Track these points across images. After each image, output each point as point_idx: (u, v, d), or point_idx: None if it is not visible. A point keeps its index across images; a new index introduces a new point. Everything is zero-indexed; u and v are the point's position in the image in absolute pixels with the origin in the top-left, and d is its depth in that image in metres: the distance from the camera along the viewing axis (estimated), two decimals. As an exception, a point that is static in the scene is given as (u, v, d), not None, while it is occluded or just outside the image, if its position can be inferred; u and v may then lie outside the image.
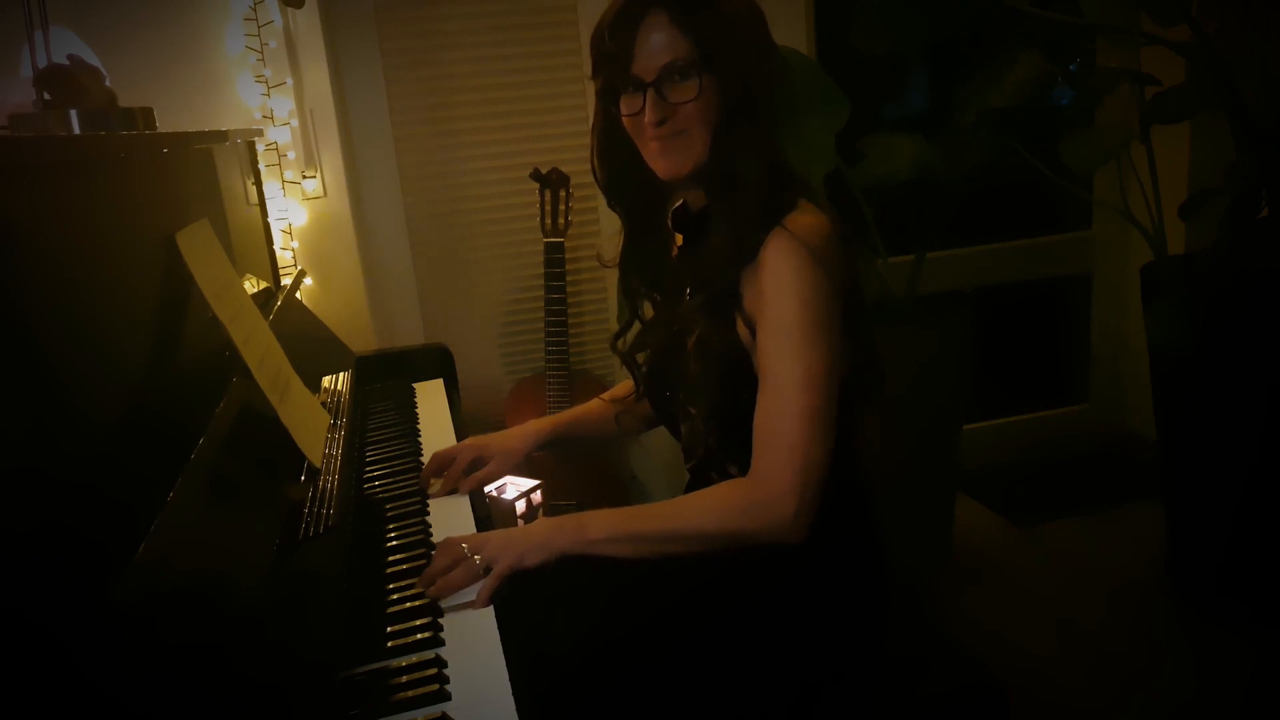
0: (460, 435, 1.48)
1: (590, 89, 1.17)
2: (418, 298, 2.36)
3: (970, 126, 2.05)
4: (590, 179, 1.22)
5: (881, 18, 2.00)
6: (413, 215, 2.33)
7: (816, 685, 1.09)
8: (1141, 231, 2.15)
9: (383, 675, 0.86)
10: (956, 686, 1.17)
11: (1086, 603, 2.12)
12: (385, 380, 1.75)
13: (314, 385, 1.38)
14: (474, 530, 1.16)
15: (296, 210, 2.14)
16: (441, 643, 0.91)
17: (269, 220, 1.85)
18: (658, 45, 1.03)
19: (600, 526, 1.05)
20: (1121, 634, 1.99)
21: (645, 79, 1.04)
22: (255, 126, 1.98)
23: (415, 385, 1.73)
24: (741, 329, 1.07)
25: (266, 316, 1.27)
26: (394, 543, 1.14)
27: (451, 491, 1.27)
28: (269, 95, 2.05)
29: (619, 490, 2.37)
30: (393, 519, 1.21)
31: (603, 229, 2.40)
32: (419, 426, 1.53)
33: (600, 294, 2.48)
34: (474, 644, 0.91)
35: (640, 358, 1.28)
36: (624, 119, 1.09)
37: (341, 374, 1.52)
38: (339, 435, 1.25)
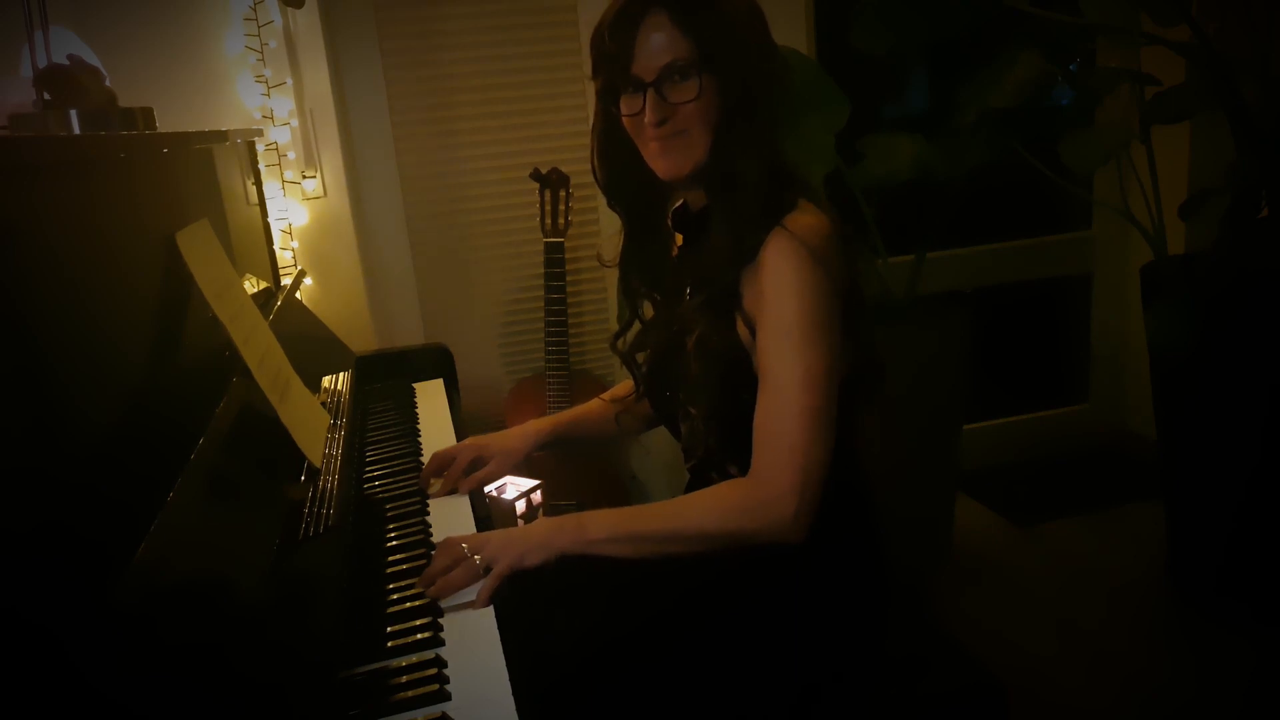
0: (460, 435, 1.48)
1: (590, 89, 1.17)
2: (418, 298, 2.36)
3: (970, 126, 2.05)
4: (590, 179, 1.22)
5: (881, 18, 2.00)
6: (413, 215, 2.33)
7: (816, 685, 1.09)
8: (1141, 231, 2.15)
9: (383, 675, 0.86)
10: (956, 686, 1.17)
11: (1086, 603, 2.12)
12: (385, 380, 1.75)
13: (314, 385, 1.38)
14: (474, 530, 1.16)
15: (296, 210, 2.14)
16: (441, 643, 0.91)
17: (269, 220, 1.85)
18: (658, 45, 1.03)
19: (600, 526, 1.05)
20: (1121, 634, 1.99)
21: (645, 79, 1.04)
22: (255, 126, 1.98)
23: (415, 385, 1.73)
24: (741, 329, 1.07)
25: (266, 316, 1.27)
26: (394, 543, 1.14)
27: (451, 491, 1.27)
28: (269, 95, 2.05)
29: (619, 490, 2.37)
30: (393, 519, 1.21)
31: (603, 229, 2.40)
32: (419, 426, 1.53)
33: (600, 294, 2.48)
34: (474, 644, 0.91)
35: (640, 358, 1.28)
36: (624, 119, 1.09)
37: (341, 374, 1.52)
38: (339, 435, 1.25)
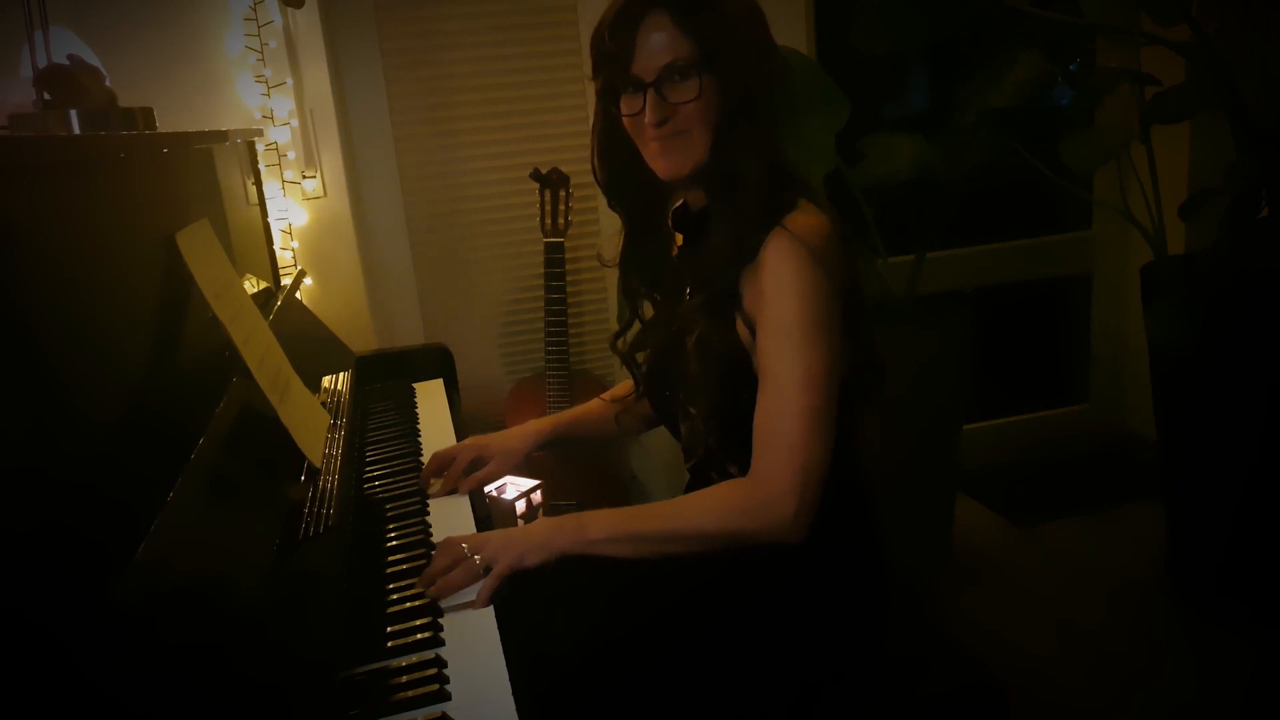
0: (460, 435, 1.48)
1: (590, 89, 1.17)
2: (418, 298, 2.36)
3: (970, 126, 2.05)
4: (590, 179, 1.22)
5: (881, 18, 2.00)
6: (413, 215, 2.33)
7: (816, 685, 1.09)
8: (1141, 231, 2.15)
9: (383, 675, 0.86)
10: (956, 686, 1.17)
11: (1086, 603, 2.12)
12: (385, 380, 1.75)
13: (314, 385, 1.38)
14: (474, 530, 1.16)
15: (296, 210, 2.14)
16: (441, 643, 0.91)
17: (269, 220, 1.85)
18: (658, 45, 1.03)
19: (600, 526, 1.05)
20: (1121, 634, 1.99)
21: (645, 79, 1.04)
22: (255, 126, 1.98)
23: (415, 385, 1.73)
24: (741, 329, 1.07)
25: (266, 316, 1.27)
26: (394, 543, 1.14)
27: (451, 491, 1.27)
28: (269, 95, 2.05)
29: (619, 490, 2.37)
30: (393, 519, 1.21)
31: (603, 229, 2.40)
32: (419, 426, 1.53)
33: (600, 294, 2.48)
34: (474, 644, 0.91)
35: (640, 358, 1.28)
36: (624, 119, 1.09)
37: (341, 374, 1.52)
38: (339, 435, 1.25)
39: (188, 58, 2.00)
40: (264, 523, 0.95)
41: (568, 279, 2.21)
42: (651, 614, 1.13)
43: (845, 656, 1.12)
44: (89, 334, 0.83)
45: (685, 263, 1.19)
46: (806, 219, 1.03)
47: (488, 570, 1.01)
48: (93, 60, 1.38)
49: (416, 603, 0.98)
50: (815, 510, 1.00)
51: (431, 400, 1.67)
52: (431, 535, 1.15)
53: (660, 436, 1.35)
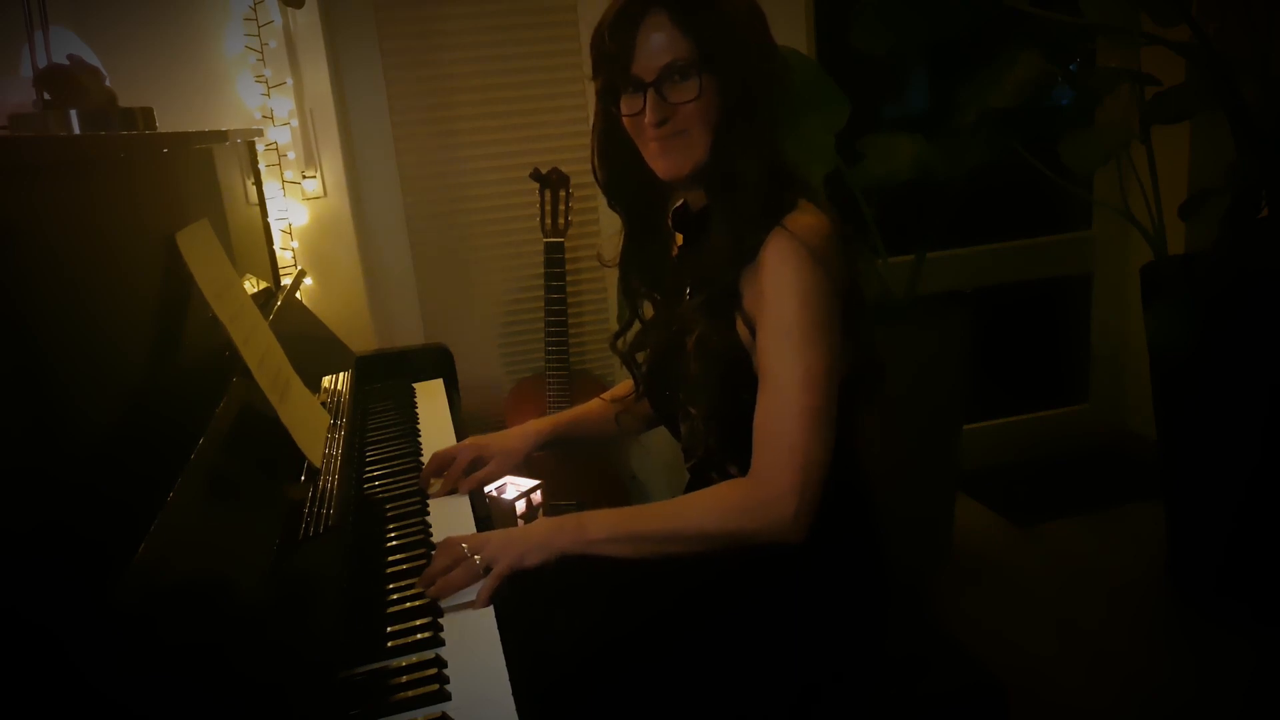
0: (460, 435, 1.48)
1: (590, 89, 1.17)
2: (418, 298, 2.36)
3: (970, 126, 2.05)
4: (590, 179, 1.22)
5: (881, 18, 2.00)
6: (413, 215, 2.33)
7: (816, 685, 1.09)
8: (1141, 231, 2.15)
9: (383, 675, 0.86)
10: (956, 686, 1.17)
11: (1086, 603, 2.12)
12: (385, 380, 1.75)
13: (314, 385, 1.38)
14: (474, 530, 1.16)
15: (296, 210, 2.14)
16: (441, 643, 0.91)
17: (269, 220, 1.85)
18: (658, 45, 1.03)
19: (600, 526, 1.05)
20: (1121, 634, 1.99)
21: (645, 79, 1.04)
22: (255, 126, 1.98)
23: (415, 385, 1.73)
24: (741, 329, 1.07)
25: (266, 316, 1.27)
26: (394, 543, 1.14)
27: (451, 491, 1.27)
28: (269, 95, 2.05)
29: (619, 490, 2.37)
30: (393, 519, 1.21)
31: (603, 229, 2.40)
32: (419, 426, 1.53)
33: (600, 294, 2.48)
34: (474, 644, 0.91)
35: (640, 357, 1.28)
36: (624, 119, 1.09)
37: (341, 374, 1.52)
38: (339, 435, 1.25)
39: (188, 58, 2.00)
40: (264, 523, 0.95)
41: (568, 279, 2.21)
42: (651, 614, 1.13)
43: (845, 656, 1.12)
44: (89, 334, 0.83)
45: (685, 263, 1.19)
46: (806, 219, 1.03)
47: (488, 570, 1.01)
48: (93, 60, 1.38)
49: (416, 603, 0.98)
50: (815, 510, 1.00)
51: (431, 400, 1.67)
52: (431, 535, 1.15)
53: (660, 436, 1.35)
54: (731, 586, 1.11)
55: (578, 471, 2.27)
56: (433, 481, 1.29)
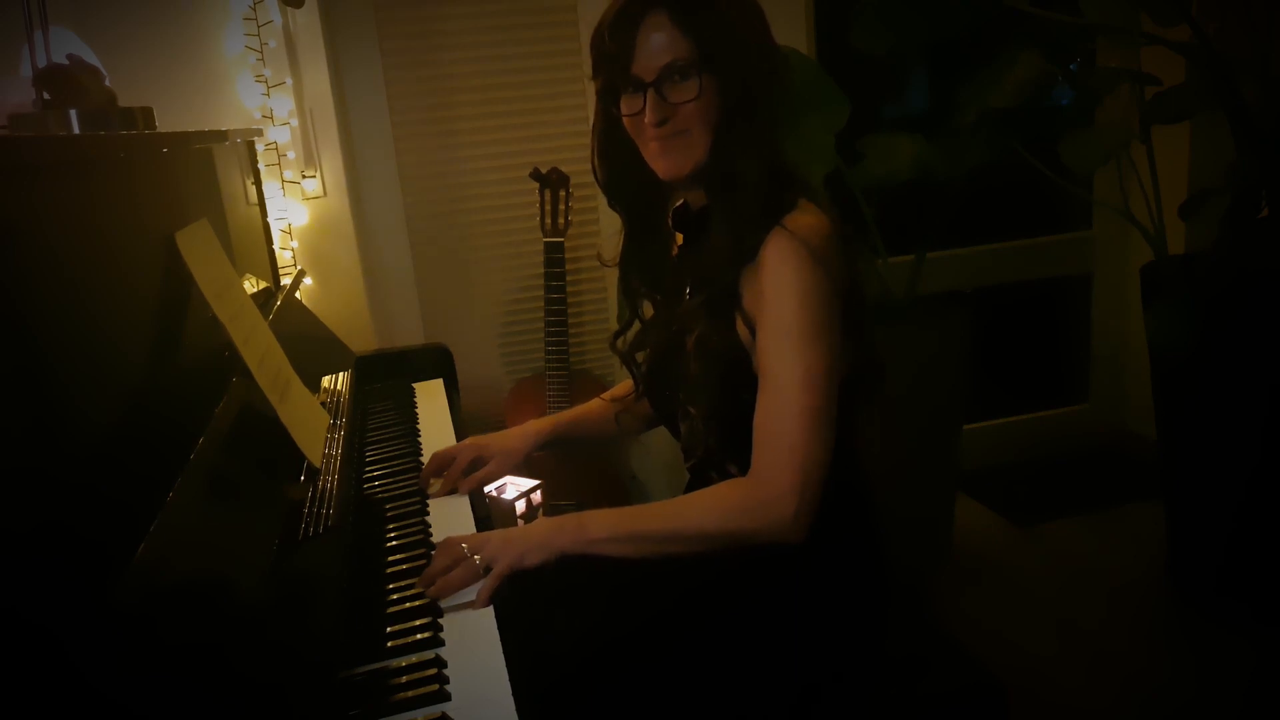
0: (460, 435, 1.48)
1: (590, 89, 1.17)
2: (418, 298, 2.36)
3: (970, 126, 2.05)
4: (590, 179, 1.22)
5: (881, 18, 2.00)
6: (413, 215, 2.33)
7: (816, 685, 1.09)
8: (1141, 231, 2.15)
9: (383, 675, 0.86)
10: (956, 686, 1.17)
11: (1086, 603, 2.12)
12: (385, 380, 1.75)
13: (314, 385, 1.38)
14: (474, 530, 1.16)
15: (296, 210, 2.14)
16: (441, 643, 0.91)
17: (269, 220, 1.85)
18: (658, 45, 1.03)
19: (601, 526, 1.05)
20: (1121, 634, 1.99)
21: (645, 79, 1.04)
22: (255, 126, 1.98)
23: (415, 385, 1.73)
24: (741, 329, 1.07)
25: (266, 316, 1.27)
26: (394, 543, 1.14)
27: (451, 491, 1.27)
28: (269, 95, 2.05)
29: (619, 490, 2.37)
30: (393, 519, 1.21)
31: (603, 229, 2.40)
32: (419, 426, 1.53)
33: (600, 294, 2.48)
34: (474, 644, 0.91)
35: (640, 357, 1.28)
36: (624, 119, 1.09)
37: (341, 374, 1.52)
38: (339, 435, 1.25)
39: (188, 58, 2.00)
40: (264, 523, 0.95)
41: (568, 279, 2.21)
42: (651, 614, 1.13)
43: (845, 656, 1.12)
44: (89, 334, 0.83)
45: (685, 263, 1.19)
46: (806, 219, 1.03)
47: (488, 570, 1.01)
48: (93, 60, 1.38)
49: (416, 603, 0.98)
50: (815, 510, 1.00)
51: (431, 400, 1.67)
52: (431, 535, 1.15)
53: (660, 436, 1.35)
54: (731, 586, 1.11)
55: (578, 471, 2.27)
56: (433, 481, 1.29)
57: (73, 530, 0.67)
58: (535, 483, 1.96)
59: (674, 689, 1.07)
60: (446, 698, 0.82)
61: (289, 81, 2.08)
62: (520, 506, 1.93)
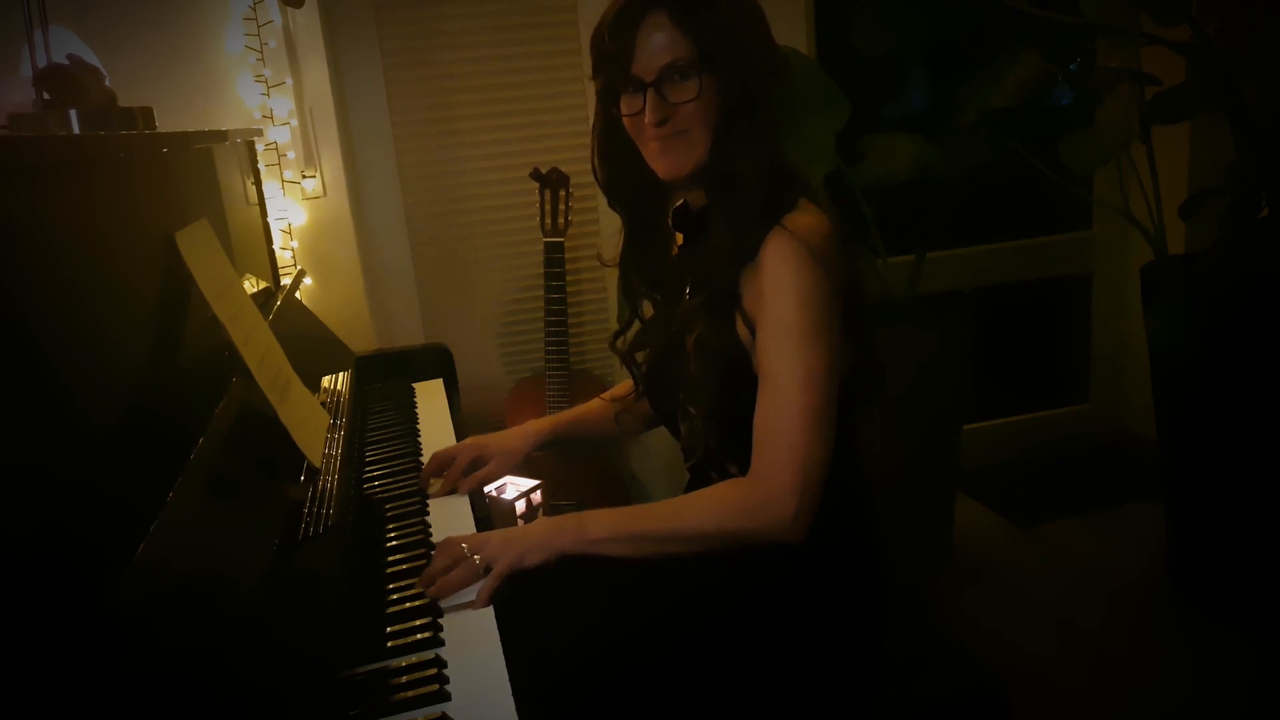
0: (460, 435, 1.48)
1: (590, 89, 1.17)
2: (418, 298, 2.36)
3: (970, 126, 2.05)
4: (590, 179, 1.22)
5: (881, 18, 2.00)
6: (413, 215, 2.33)
7: (816, 685, 1.09)
8: (1141, 231, 2.15)
9: (383, 675, 0.86)
10: (956, 686, 1.17)
11: (1086, 603, 2.12)
12: (385, 380, 1.75)
13: (314, 385, 1.38)
14: (474, 530, 1.16)
15: (296, 210, 2.14)
16: (441, 643, 0.91)
17: (269, 220, 1.85)
18: (658, 45, 1.03)
19: (601, 526, 1.05)
20: (1121, 634, 1.99)
21: (645, 79, 1.04)
22: (255, 126, 1.98)
23: (415, 385, 1.73)
24: (741, 328, 1.07)
25: (266, 316, 1.27)
26: (394, 543, 1.14)
27: (451, 491, 1.27)
28: (269, 95, 2.05)
29: (619, 490, 2.37)
30: (393, 519, 1.21)
31: (603, 229, 2.40)
32: (419, 426, 1.53)
33: (600, 294, 2.48)
34: (474, 644, 0.91)
35: (640, 357, 1.28)
36: (624, 119, 1.09)
37: (341, 374, 1.52)
38: (339, 435, 1.25)
39: (188, 57, 2.00)
40: (264, 523, 0.95)
41: (568, 279, 2.21)
42: (651, 614, 1.13)
43: (845, 656, 1.12)
44: (89, 334, 0.83)
45: (685, 262, 1.19)
46: (806, 219, 1.03)
47: (488, 570, 1.01)
48: (93, 60, 1.38)
49: (416, 603, 0.98)
50: (815, 510, 1.00)
51: (431, 400, 1.67)
52: (431, 535, 1.15)
53: (660, 436, 1.35)
54: (731, 586, 1.11)
55: (578, 471, 2.27)
56: (432, 481, 1.29)
57: (73, 530, 0.67)
58: (535, 483, 1.96)
59: (674, 689, 1.07)
60: (446, 698, 0.82)
61: (289, 81, 2.08)
62: (520, 506, 1.93)
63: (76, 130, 1.23)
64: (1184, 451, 2.07)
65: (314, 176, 2.14)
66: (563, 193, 2.17)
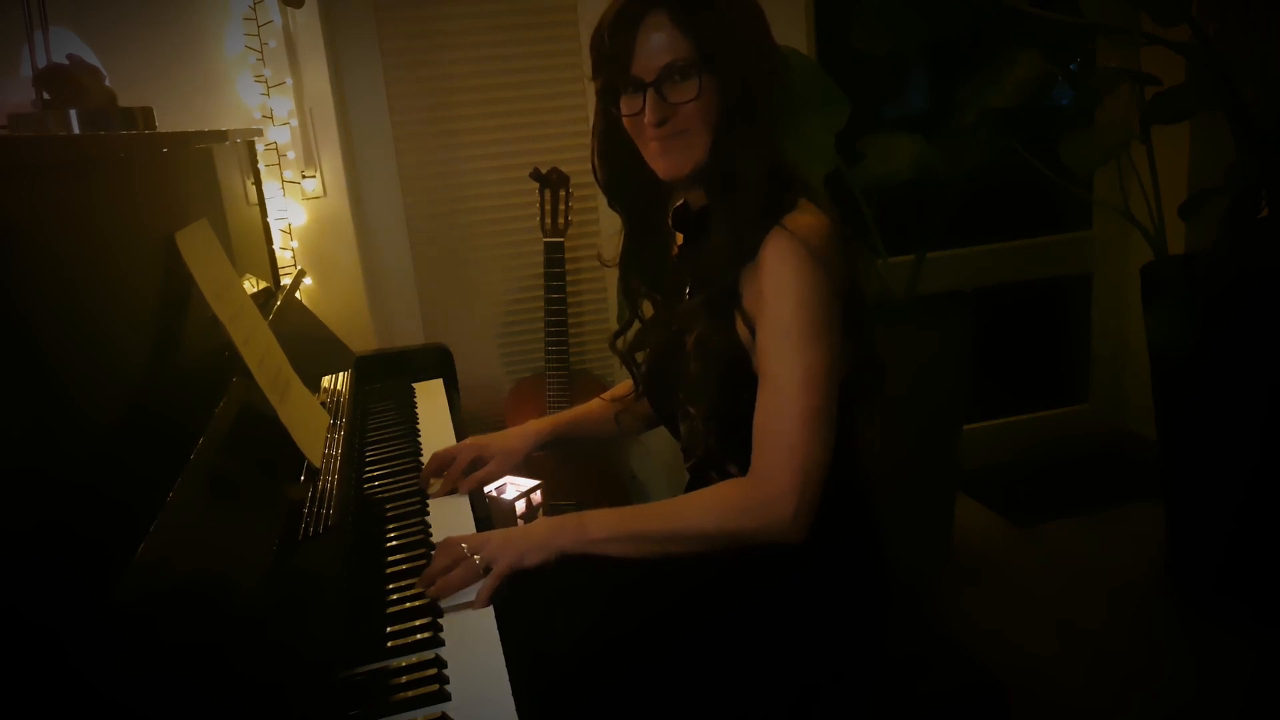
0: (460, 435, 1.48)
1: (590, 89, 1.17)
2: (418, 298, 2.36)
3: (970, 126, 2.05)
4: (590, 179, 1.22)
5: (881, 18, 2.00)
6: (413, 215, 2.33)
7: (816, 685, 1.09)
8: (1141, 231, 2.15)
9: (383, 675, 0.86)
10: (956, 686, 1.17)
11: (1086, 603, 2.12)
12: (385, 380, 1.75)
13: (314, 385, 1.38)
14: (474, 530, 1.16)
15: (296, 210, 2.14)
16: (441, 643, 0.91)
17: (269, 220, 1.85)
18: (658, 45, 1.03)
19: (601, 526, 1.05)
20: (1121, 634, 1.99)
21: (645, 79, 1.04)
22: (255, 126, 1.98)
23: (415, 385, 1.73)
24: (741, 328, 1.07)
25: (266, 316, 1.27)
26: (394, 543, 1.14)
27: (451, 491, 1.27)
28: (269, 95, 2.05)
29: (619, 490, 2.37)
30: (393, 519, 1.21)
31: (603, 229, 2.40)
32: (419, 426, 1.53)
33: (600, 294, 2.48)
34: (474, 644, 0.91)
35: (640, 357, 1.28)
36: (624, 119, 1.09)
37: (341, 374, 1.52)
38: (339, 435, 1.25)
39: (188, 58, 2.00)
40: (264, 523, 0.95)
41: (568, 279, 2.21)
42: (651, 614, 1.13)
43: (845, 656, 1.12)
44: (89, 334, 0.83)
45: (685, 262, 1.19)
46: (806, 219, 1.03)
47: (488, 570, 1.01)
48: (93, 60, 1.38)
49: (416, 603, 0.98)
50: (815, 510, 1.00)
51: (431, 400, 1.67)
52: (431, 535, 1.15)
53: (660, 436, 1.35)
54: (731, 586, 1.11)
55: (578, 471, 2.27)
56: (432, 481, 1.29)
57: (73, 530, 0.67)
58: (535, 483, 1.96)
59: (674, 689, 1.07)
60: (446, 698, 0.82)
61: (289, 81, 2.08)
62: (520, 506, 1.93)
63: (76, 130, 1.23)
64: (1184, 451, 2.07)
65: (314, 176, 2.14)
66: (563, 193, 2.17)
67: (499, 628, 0.94)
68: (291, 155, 2.11)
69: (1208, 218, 2.00)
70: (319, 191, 2.15)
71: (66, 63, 1.33)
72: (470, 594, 0.99)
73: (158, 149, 1.18)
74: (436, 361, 1.79)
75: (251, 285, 1.46)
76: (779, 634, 1.09)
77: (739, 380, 1.06)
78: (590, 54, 1.10)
